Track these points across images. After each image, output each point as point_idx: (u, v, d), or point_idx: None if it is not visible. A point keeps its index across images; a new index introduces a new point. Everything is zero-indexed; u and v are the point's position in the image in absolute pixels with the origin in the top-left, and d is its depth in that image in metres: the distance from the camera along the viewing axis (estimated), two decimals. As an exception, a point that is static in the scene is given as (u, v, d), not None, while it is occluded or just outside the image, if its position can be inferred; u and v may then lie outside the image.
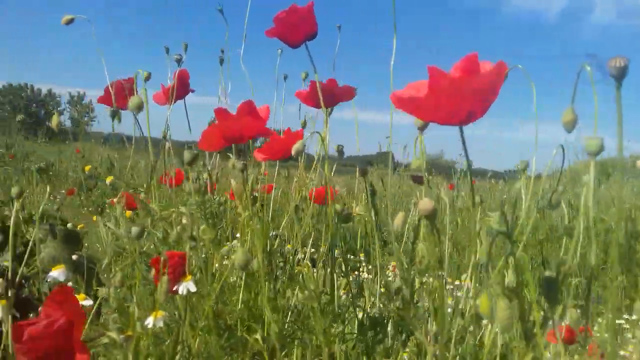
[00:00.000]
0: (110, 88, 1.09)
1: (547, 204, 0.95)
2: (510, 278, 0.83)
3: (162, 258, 0.70)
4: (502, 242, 0.77)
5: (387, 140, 1.29)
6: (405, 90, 0.60)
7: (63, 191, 4.56)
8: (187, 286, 0.74)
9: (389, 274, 1.69)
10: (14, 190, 0.91)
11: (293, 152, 0.93)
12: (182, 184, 1.24)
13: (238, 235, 1.29)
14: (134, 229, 0.77)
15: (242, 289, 1.10)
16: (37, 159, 8.27)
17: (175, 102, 1.23)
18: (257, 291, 1.14)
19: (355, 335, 0.95)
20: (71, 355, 0.54)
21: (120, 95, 1.16)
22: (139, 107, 0.97)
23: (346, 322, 0.96)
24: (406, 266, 0.80)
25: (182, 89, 1.25)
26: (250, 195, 1.17)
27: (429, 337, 0.78)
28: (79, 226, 1.35)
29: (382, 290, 1.07)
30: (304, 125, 1.34)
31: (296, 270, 1.19)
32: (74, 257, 1.43)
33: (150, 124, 1.08)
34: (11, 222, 0.88)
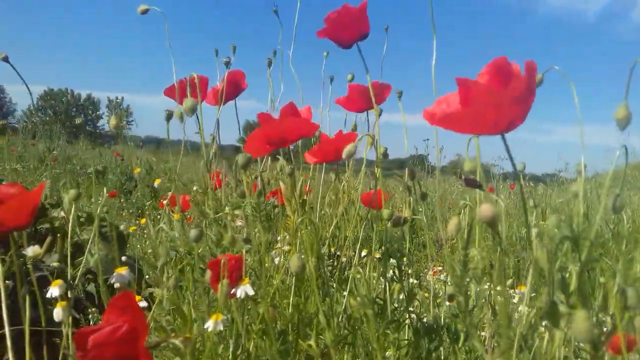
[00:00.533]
0: (181, 83, 1.10)
1: (611, 207, 0.92)
2: (574, 285, 0.81)
3: (222, 261, 0.69)
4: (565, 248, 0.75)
5: (423, 143, 1.27)
6: (436, 106, 0.58)
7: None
8: (244, 289, 0.74)
9: (430, 279, 1.66)
10: (72, 193, 0.92)
11: (344, 155, 0.92)
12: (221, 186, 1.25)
13: (279, 237, 1.28)
14: (193, 232, 0.77)
15: (292, 292, 1.09)
16: (78, 162, 8.44)
17: (224, 103, 1.24)
18: (307, 295, 1.14)
19: (408, 341, 0.93)
20: None
21: (183, 94, 1.17)
22: (193, 110, 0.98)
23: (400, 329, 0.94)
24: (459, 272, 0.78)
25: (231, 91, 1.26)
26: (300, 198, 1.16)
27: (486, 345, 0.76)
28: (130, 228, 1.37)
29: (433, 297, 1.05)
30: (354, 128, 1.33)
31: (347, 275, 1.18)
32: (123, 258, 1.45)
33: (187, 126, 1.08)
34: (67, 223, 0.90)
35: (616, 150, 0.72)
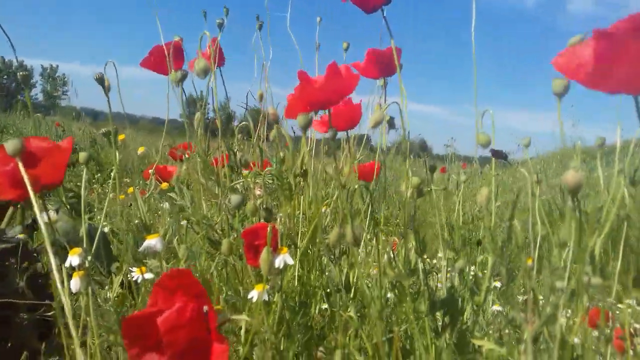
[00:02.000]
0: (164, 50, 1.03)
1: (629, 181, 0.93)
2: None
3: (268, 228, 0.65)
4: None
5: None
6: (567, 53, 0.55)
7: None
8: (284, 258, 0.70)
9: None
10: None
11: (371, 124, 0.89)
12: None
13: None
14: (234, 197, 0.72)
15: (295, 265, 1.06)
16: (15, 132, 8.01)
17: (219, 66, 1.17)
18: (310, 268, 1.11)
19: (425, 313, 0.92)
20: (207, 347, 0.49)
21: (162, 61, 1.09)
22: (206, 71, 0.92)
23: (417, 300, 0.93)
24: (501, 244, 0.77)
25: (220, 57, 1.19)
26: (301, 168, 1.13)
27: (527, 317, 0.75)
28: (119, 197, 1.29)
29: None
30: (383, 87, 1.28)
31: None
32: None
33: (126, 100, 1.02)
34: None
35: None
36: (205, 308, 0.49)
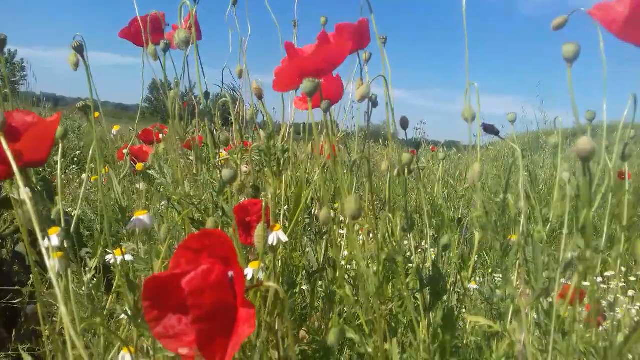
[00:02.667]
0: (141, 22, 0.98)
1: (620, 156, 0.94)
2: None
3: (263, 203, 0.63)
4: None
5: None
6: (604, 5, 0.54)
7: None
8: (277, 235, 0.68)
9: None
10: None
11: (358, 97, 0.87)
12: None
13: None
14: (226, 172, 0.68)
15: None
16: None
17: (195, 42, 1.13)
18: (293, 247, 1.09)
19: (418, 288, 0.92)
20: (233, 312, 0.46)
21: (140, 34, 1.05)
22: (187, 42, 0.88)
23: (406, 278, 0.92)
24: (495, 218, 0.76)
25: (197, 31, 1.15)
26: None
27: (521, 291, 0.75)
28: (92, 178, 1.24)
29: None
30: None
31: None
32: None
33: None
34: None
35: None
36: (231, 273, 0.46)
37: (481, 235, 0.95)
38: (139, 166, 1.22)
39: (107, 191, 1.29)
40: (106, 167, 1.38)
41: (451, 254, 1.01)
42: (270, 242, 0.68)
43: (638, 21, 0.50)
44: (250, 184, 0.82)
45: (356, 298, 0.96)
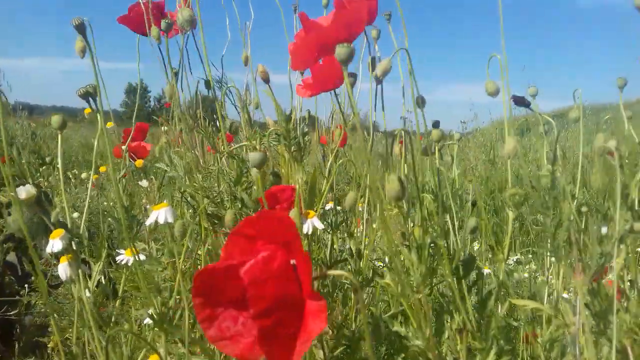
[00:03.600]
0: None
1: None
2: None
3: (297, 186, 0.57)
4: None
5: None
6: None
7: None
8: (312, 222, 0.62)
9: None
10: None
11: (379, 73, 0.81)
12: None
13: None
14: (254, 155, 0.61)
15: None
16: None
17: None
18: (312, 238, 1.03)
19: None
20: (299, 304, 0.39)
21: (141, 19, 0.98)
22: (192, 22, 0.81)
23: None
24: (543, 194, 0.71)
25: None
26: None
27: (576, 268, 0.70)
28: (93, 176, 1.17)
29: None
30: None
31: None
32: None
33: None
34: None
35: None
36: (293, 261, 0.40)
37: (515, 214, 0.89)
38: (139, 162, 1.15)
39: (104, 192, 1.22)
40: (103, 167, 1.31)
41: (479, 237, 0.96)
42: (305, 230, 0.62)
43: None
44: (270, 170, 0.76)
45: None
